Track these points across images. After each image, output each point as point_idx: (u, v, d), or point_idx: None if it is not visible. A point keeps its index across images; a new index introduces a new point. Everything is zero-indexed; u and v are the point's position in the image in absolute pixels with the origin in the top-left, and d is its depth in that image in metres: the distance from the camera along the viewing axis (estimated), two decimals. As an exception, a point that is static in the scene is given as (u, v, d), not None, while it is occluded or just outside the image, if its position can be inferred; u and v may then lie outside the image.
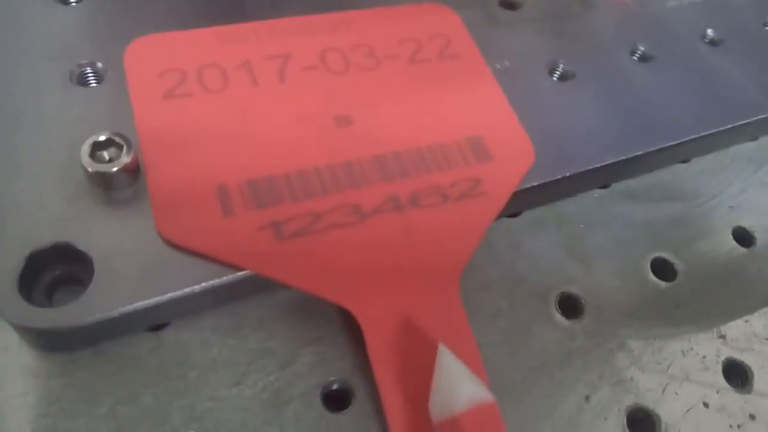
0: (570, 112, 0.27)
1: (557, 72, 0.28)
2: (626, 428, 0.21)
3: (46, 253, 0.19)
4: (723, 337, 0.24)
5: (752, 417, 0.22)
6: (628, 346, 0.23)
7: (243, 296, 0.21)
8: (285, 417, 0.19)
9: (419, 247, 0.22)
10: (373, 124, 0.24)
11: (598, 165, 0.25)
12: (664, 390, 0.22)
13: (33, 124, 0.22)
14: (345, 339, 0.21)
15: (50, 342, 0.19)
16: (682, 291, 0.25)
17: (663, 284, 0.25)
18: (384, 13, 0.28)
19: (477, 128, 0.25)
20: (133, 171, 0.21)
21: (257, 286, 0.21)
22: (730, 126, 0.28)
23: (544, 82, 0.28)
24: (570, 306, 0.24)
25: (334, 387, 0.20)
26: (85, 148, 0.20)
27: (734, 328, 0.24)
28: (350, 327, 0.21)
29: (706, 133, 0.28)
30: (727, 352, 0.23)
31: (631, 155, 0.26)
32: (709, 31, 0.32)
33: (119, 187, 0.21)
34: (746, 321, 0.24)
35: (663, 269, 0.25)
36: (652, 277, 0.25)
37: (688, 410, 0.22)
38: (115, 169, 0.20)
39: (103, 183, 0.20)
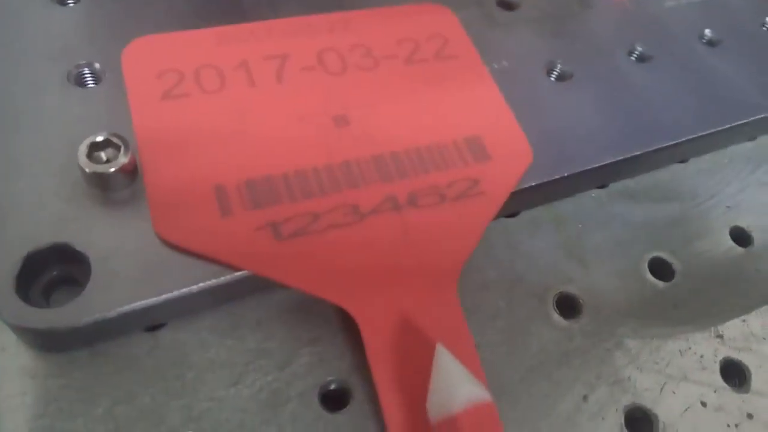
0: (568, 112, 0.27)
1: (555, 72, 0.28)
2: (624, 428, 0.21)
3: (43, 253, 0.19)
4: (720, 336, 0.24)
5: (750, 416, 0.22)
6: (625, 346, 0.23)
7: (241, 296, 0.21)
8: (283, 417, 0.19)
9: (417, 247, 0.22)
10: (371, 124, 0.24)
11: (596, 165, 0.25)
12: (661, 389, 0.22)
13: (31, 125, 0.22)
14: (343, 339, 0.21)
15: (48, 342, 0.19)
16: (679, 291, 0.25)
17: (661, 284, 0.25)
18: (382, 13, 0.28)
19: (475, 128, 0.25)
20: (131, 172, 0.21)
21: (255, 286, 0.21)
22: (728, 126, 0.28)
23: (541, 82, 0.28)
24: (568, 306, 0.24)
25: (332, 387, 0.20)
26: (83, 149, 0.20)
27: (732, 327, 0.24)
28: (348, 327, 0.21)
29: (704, 133, 0.28)
30: (724, 352, 0.23)
31: (628, 155, 0.26)
32: (707, 32, 0.32)
33: (117, 187, 0.21)
34: (744, 320, 0.24)
35: (661, 269, 0.25)
36: (649, 276, 0.25)
37: (686, 410, 0.22)
38: (112, 169, 0.20)
39: (100, 183, 0.20)
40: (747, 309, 0.25)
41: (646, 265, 0.25)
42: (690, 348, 0.23)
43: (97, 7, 0.26)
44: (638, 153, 0.26)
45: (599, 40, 0.31)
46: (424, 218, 0.22)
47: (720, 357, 0.23)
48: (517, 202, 0.25)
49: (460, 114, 0.25)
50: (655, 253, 0.26)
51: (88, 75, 0.24)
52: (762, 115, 0.29)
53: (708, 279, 0.25)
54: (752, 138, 0.31)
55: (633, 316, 0.24)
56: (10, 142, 0.21)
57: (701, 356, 0.23)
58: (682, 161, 0.29)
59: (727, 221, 0.28)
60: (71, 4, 0.26)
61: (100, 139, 0.20)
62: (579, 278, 0.24)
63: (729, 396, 0.22)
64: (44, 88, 0.23)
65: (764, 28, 0.34)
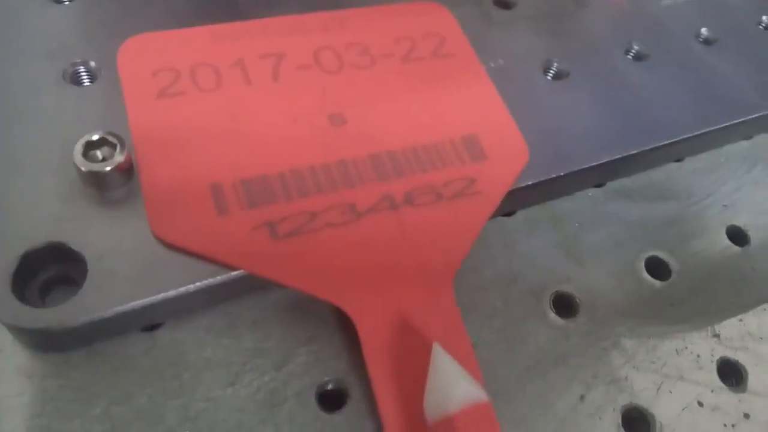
0: (564, 111, 0.27)
1: (551, 71, 0.28)
2: (621, 427, 0.21)
3: (39, 252, 0.19)
4: (717, 336, 0.24)
5: (746, 416, 0.22)
6: (622, 345, 0.23)
7: (237, 296, 0.21)
8: (280, 417, 0.19)
9: (414, 246, 0.22)
10: (367, 122, 0.24)
11: (593, 164, 0.25)
12: (658, 389, 0.22)
13: (26, 123, 0.22)
14: (340, 339, 0.21)
15: (44, 342, 0.19)
16: (676, 290, 0.25)
17: (657, 283, 0.25)
18: (378, 11, 0.28)
19: (471, 127, 0.25)
20: (127, 170, 0.21)
21: (252, 285, 0.21)
22: (724, 125, 0.29)
23: (538, 81, 0.28)
24: (564, 305, 0.24)
25: (329, 387, 0.20)
26: (79, 148, 0.20)
27: (728, 327, 0.24)
28: (345, 326, 0.21)
29: (700, 132, 0.28)
30: (721, 351, 0.23)
31: (625, 154, 0.26)
32: (704, 30, 0.32)
33: (113, 186, 0.20)
34: (740, 320, 0.24)
35: (657, 268, 0.25)
36: (646, 276, 0.25)
37: (683, 409, 0.22)
38: (108, 168, 0.20)
39: (96, 182, 0.20)
40: (744, 308, 0.25)
41: (642, 264, 0.25)
42: (687, 347, 0.23)
43: (93, 5, 0.26)
44: (635, 152, 0.26)
45: (596, 39, 0.31)
46: (421, 217, 0.22)
47: (717, 356, 0.23)
48: (514, 201, 0.25)
49: (456, 113, 0.25)
50: (652, 252, 0.26)
51: (84, 73, 0.24)
52: (758, 114, 0.29)
53: (705, 278, 0.25)
54: (748, 137, 0.31)
55: (630, 316, 0.24)
56: (6, 140, 0.21)
57: (698, 356, 0.23)
58: (678, 160, 0.29)
59: (723, 220, 0.28)
60: (67, 3, 0.26)
61: (95, 137, 0.20)
62: (576, 277, 0.24)
63: (726, 395, 0.22)
64: (40, 87, 0.23)
65: (760, 27, 0.34)
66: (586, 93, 0.28)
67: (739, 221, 0.28)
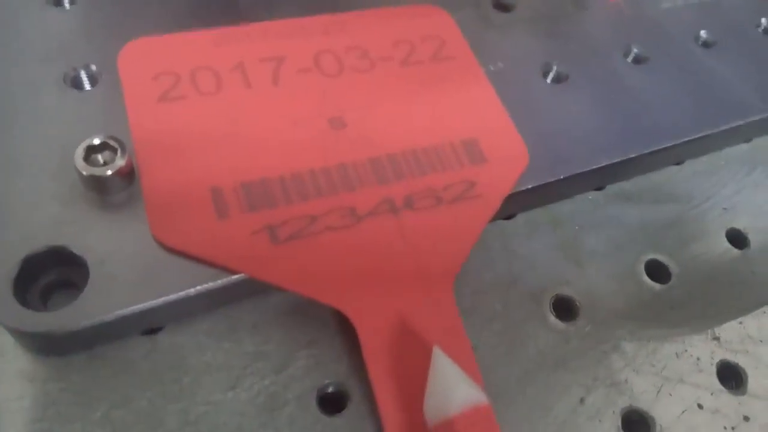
0: (564, 114, 0.27)
1: (551, 74, 0.28)
2: (621, 430, 0.21)
3: (41, 256, 0.19)
4: (717, 338, 0.24)
5: (746, 418, 0.22)
6: (622, 348, 0.23)
7: (238, 299, 0.21)
8: (280, 420, 0.19)
9: (414, 249, 0.22)
10: (367, 126, 0.24)
11: (593, 167, 0.25)
12: (658, 392, 0.22)
13: (27, 127, 0.22)
14: (340, 342, 0.21)
15: (45, 346, 0.19)
16: (676, 293, 0.25)
17: (657, 286, 0.25)
18: (377, 14, 0.28)
19: (471, 130, 0.25)
20: (128, 174, 0.21)
21: (252, 289, 0.21)
22: (724, 128, 0.29)
23: (537, 84, 0.28)
24: (564, 308, 0.24)
25: (330, 390, 0.20)
26: (80, 152, 0.20)
27: (728, 329, 0.24)
28: (345, 330, 0.21)
29: (700, 135, 0.28)
30: (721, 354, 0.23)
31: (625, 157, 0.26)
32: (703, 33, 0.32)
33: (114, 190, 0.21)
34: (740, 323, 0.25)
35: (657, 271, 0.25)
36: (646, 279, 0.25)
37: (683, 412, 0.22)
38: (109, 172, 0.20)
39: (97, 186, 0.20)
40: (743, 311, 0.25)
41: (642, 267, 0.25)
42: (686, 350, 0.23)
43: (93, 8, 0.26)
44: (634, 155, 0.26)
45: (595, 42, 0.31)
46: (421, 221, 0.22)
47: (716, 359, 0.23)
48: (514, 205, 0.25)
49: (456, 116, 0.25)
50: (652, 256, 0.26)
51: (85, 77, 0.24)
52: (758, 117, 0.29)
53: (704, 281, 0.25)
54: (748, 140, 0.31)
55: (630, 319, 0.24)
56: (7, 144, 0.21)
57: (698, 359, 0.23)
58: (678, 163, 0.29)
59: (723, 223, 0.28)
60: (67, 6, 0.26)
61: (97, 141, 0.20)
62: (576, 280, 0.24)
63: (726, 398, 0.22)
64: (41, 91, 0.23)
65: (759, 30, 0.34)
66: (585, 96, 0.28)
67: (739, 224, 0.28)
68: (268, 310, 0.21)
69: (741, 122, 0.29)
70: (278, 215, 0.21)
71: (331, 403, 0.20)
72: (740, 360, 0.24)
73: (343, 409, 0.20)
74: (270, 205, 0.21)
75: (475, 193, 0.23)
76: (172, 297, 0.19)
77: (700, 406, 0.22)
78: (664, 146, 0.27)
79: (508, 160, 0.24)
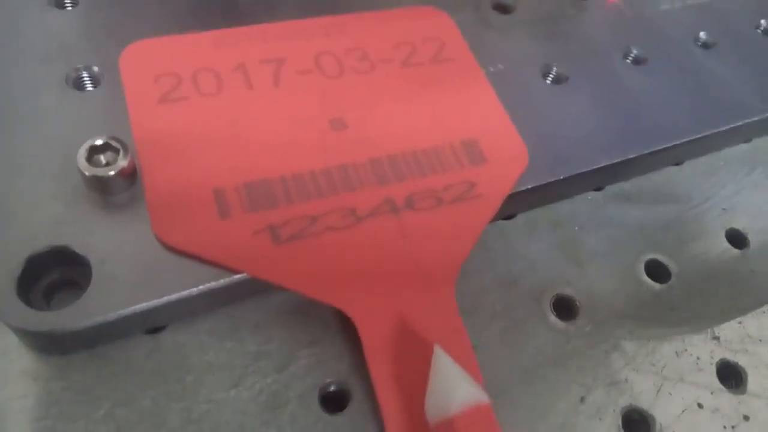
0: (563, 115, 0.27)
1: (551, 75, 0.29)
2: (621, 429, 0.21)
3: (44, 256, 0.19)
4: (717, 338, 0.24)
5: (746, 418, 0.22)
6: (622, 348, 0.23)
7: (240, 299, 0.21)
8: (282, 419, 0.19)
9: (415, 249, 0.22)
10: (367, 127, 0.24)
11: (592, 167, 0.26)
12: (658, 391, 0.22)
13: (30, 128, 0.22)
14: (342, 341, 0.21)
15: (49, 345, 0.19)
16: (676, 292, 0.25)
17: (657, 286, 0.25)
18: (378, 16, 0.29)
19: (471, 131, 0.25)
20: (130, 175, 0.21)
21: (254, 289, 0.21)
22: (723, 128, 0.29)
23: (537, 85, 0.28)
24: (565, 307, 0.24)
25: (332, 389, 0.20)
26: (82, 152, 0.20)
27: (728, 329, 0.24)
28: (347, 329, 0.21)
29: (699, 136, 0.28)
30: (720, 354, 0.24)
31: (624, 158, 0.26)
32: (702, 34, 0.32)
33: (116, 190, 0.21)
34: (740, 322, 0.25)
35: (657, 271, 0.25)
36: (646, 278, 0.25)
37: (683, 411, 0.22)
38: (112, 173, 0.20)
39: (100, 187, 0.20)
40: (743, 311, 0.25)
41: (642, 267, 0.25)
42: (686, 350, 0.23)
43: (95, 10, 0.26)
44: (634, 156, 0.26)
45: (595, 43, 0.31)
46: (422, 221, 0.22)
47: (716, 359, 0.23)
48: (514, 205, 0.25)
49: (456, 117, 0.26)
50: (652, 255, 0.26)
51: (87, 78, 0.24)
52: (757, 118, 0.29)
53: (704, 281, 0.26)
54: (747, 140, 0.31)
55: (629, 318, 0.24)
56: (10, 145, 0.21)
57: (698, 358, 0.23)
58: (677, 163, 0.29)
59: (722, 223, 0.28)
60: (69, 8, 0.26)
61: (99, 142, 0.21)
62: (576, 280, 0.24)
63: (725, 397, 0.23)
64: (43, 92, 0.23)
65: (758, 31, 0.34)
66: (585, 97, 0.28)
67: (739, 224, 0.28)
68: (270, 309, 0.21)
69: (740, 123, 0.29)
70: (280, 215, 0.21)
71: (333, 401, 0.20)
72: (740, 359, 0.24)
73: (344, 407, 0.20)
74: (271, 205, 0.21)
75: (476, 193, 0.23)
76: (175, 296, 0.19)
77: (700, 406, 0.22)
78: (663, 147, 0.27)
79: (508, 160, 0.25)
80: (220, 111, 0.23)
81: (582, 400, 0.22)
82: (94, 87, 0.24)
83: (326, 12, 0.28)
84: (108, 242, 0.20)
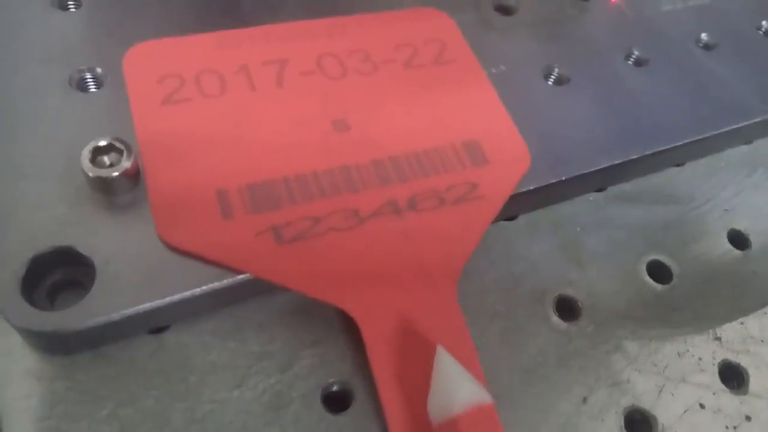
0: (565, 116, 0.27)
1: (552, 76, 0.29)
2: (623, 429, 0.21)
3: (48, 256, 0.19)
4: (718, 339, 0.24)
5: (748, 418, 0.22)
6: (624, 348, 0.23)
7: (243, 299, 0.21)
8: (285, 419, 0.19)
9: (417, 250, 0.22)
10: (370, 128, 0.24)
11: (594, 169, 0.26)
12: (660, 392, 0.22)
13: (33, 130, 0.22)
14: (344, 341, 0.21)
15: (53, 345, 0.19)
16: (677, 293, 0.25)
17: (659, 287, 0.25)
18: (380, 18, 0.29)
19: (473, 132, 0.25)
20: (134, 176, 0.21)
21: (257, 289, 0.21)
22: (725, 129, 0.29)
23: (539, 87, 0.28)
24: (567, 308, 0.24)
25: (334, 389, 0.20)
26: (86, 153, 0.20)
27: (729, 330, 0.24)
28: (349, 329, 0.21)
29: (700, 137, 0.28)
30: (722, 354, 0.24)
31: (626, 159, 0.26)
32: (703, 35, 0.33)
33: (120, 191, 0.21)
34: (741, 323, 0.25)
35: (659, 272, 0.25)
36: (648, 279, 0.25)
37: (685, 412, 0.22)
38: (115, 173, 0.20)
39: (103, 188, 0.20)
40: (744, 312, 0.25)
41: (644, 267, 0.25)
42: (688, 350, 0.23)
43: (98, 12, 0.26)
44: (635, 157, 0.26)
45: (596, 44, 0.31)
46: (424, 222, 0.22)
47: (718, 359, 0.23)
48: (516, 206, 0.25)
49: (458, 118, 0.26)
50: (653, 256, 0.26)
51: (90, 80, 0.24)
52: (758, 119, 0.29)
53: (706, 282, 0.26)
54: (748, 141, 0.31)
55: (631, 319, 0.24)
56: (13, 146, 0.21)
57: (699, 358, 0.23)
58: (678, 165, 0.29)
59: (724, 224, 0.28)
60: (72, 9, 0.26)
61: (103, 143, 0.21)
62: (578, 281, 0.24)
63: (727, 398, 0.23)
64: (46, 93, 0.23)
65: (759, 32, 0.34)
66: (587, 98, 0.28)
67: (740, 225, 0.28)
68: (273, 309, 0.21)
69: (741, 124, 0.29)
70: (283, 216, 0.21)
71: (336, 401, 0.20)
72: (742, 360, 0.24)
73: (347, 407, 0.20)
74: (274, 206, 0.21)
75: (478, 194, 0.23)
76: (178, 297, 0.19)
77: (702, 406, 0.22)
78: (664, 148, 0.27)
79: (510, 161, 0.25)
80: (223, 112, 0.23)
81: (584, 400, 0.22)
82: (98, 88, 0.24)
83: (328, 14, 0.28)
84: (112, 243, 0.20)
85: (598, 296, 0.24)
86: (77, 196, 0.21)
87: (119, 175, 0.20)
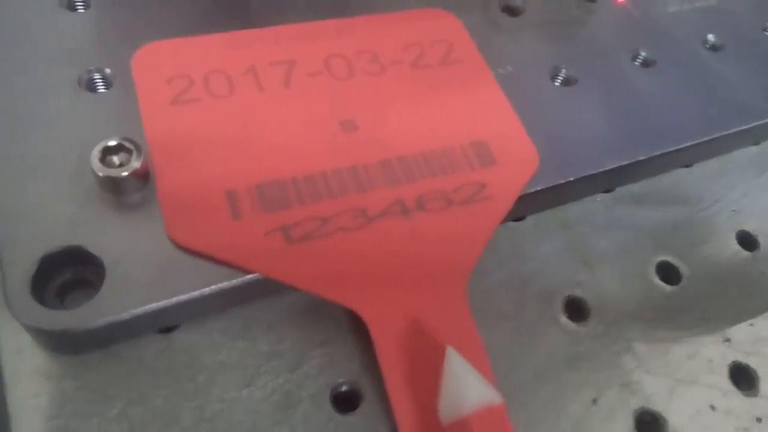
0: (573, 117, 0.27)
1: (559, 77, 0.29)
2: (634, 431, 0.21)
3: (58, 256, 0.19)
4: (728, 340, 0.24)
5: (759, 420, 0.22)
6: (634, 349, 0.23)
7: (252, 299, 0.21)
8: (295, 418, 0.19)
9: (426, 250, 0.22)
10: (378, 128, 0.24)
11: (602, 169, 0.26)
12: (670, 393, 0.22)
13: (43, 130, 0.22)
14: (353, 341, 0.21)
15: (62, 344, 0.19)
16: (687, 294, 0.25)
17: (668, 288, 0.25)
18: (387, 19, 0.29)
19: (481, 133, 0.25)
20: (143, 176, 0.21)
21: (266, 289, 0.21)
22: (733, 131, 0.29)
23: (546, 88, 0.28)
24: (576, 309, 0.24)
25: (343, 389, 0.20)
26: (96, 153, 0.20)
27: (739, 331, 0.24)
28: (358, 329, 0.21)
29: (708, 138, 0.28)
30: (732, 356, 0.24)
31: (633, 160, 0.26)
32: (710, 37, 0.32)
33: (129, 191, 0.21)
34: (751, 324, 0.25)
35: (668, 273, 0.25)
36: (657, 280, 0.25)
37: (696, 413, 0.22)
38: (125, 173, 0.20)
39: (113, 187, 0.20)
40: (754, 313, 0.25)
41: (653, 268, 0.25)
42: (698, 352, 0.23)
43: (107, 12, 0.26)
44: (643, 158, 0.26)
45: (603, 45, 0.31)
46: (432, 222, 0.22)
47: (728, 361, 0.23)
48: (524, 207, 0.25)
49: (466, 119, 0.26)
50: (662, 257, 0.26)
51: (99, 80, 0.24)
52: (766, 120, 0.29)
53: (715, 283, 0.25)
54: (756, 142, 0.31)
55: (641, 320, 0.24)
56: (23, 146, 0.21)
57: (710, 360, 0.23)
58: (686, 166, 0.29)
59: (733, 225, 0.28)
60: (81, 10, 0.26)
61: (112, 143, 0.21)
62: (586, 282, 0.24)
63: (738, 400, 0.22)
64: (55, 93, 0.23)
65: (766, 33, 0.34)
66: (594, 99, 0.28)
67: (749, 226, 0.28)
68: (282, 309, 0.21)
69: (749, 125, 0.29)
70: (291, 216, 0.21)
71: (345, 401, 0.20)
72: (752, 361, 0.24)
73: (356, 407, 0.20)
74: (283, 206, 0.21)
75: (486, 194, 0.23)
76: (187, 296, 0.19)
77: (712, 408, 0.22)
78: (672, 149, 0.27)
79: (518, 162, 0.25)
80: (231, 113, 0.23)
81: (594, 401, 0.22)
82: (107, 89, 0.24)
83: (336, 14, 0.28)
84: (121, 242, 0.20)
85: (607, 297, 0.24)
86: (87, 195, 0.21)
87: (129, 174, 0.20)
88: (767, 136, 0.31)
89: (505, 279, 0.24)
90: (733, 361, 0.23)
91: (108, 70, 0.24)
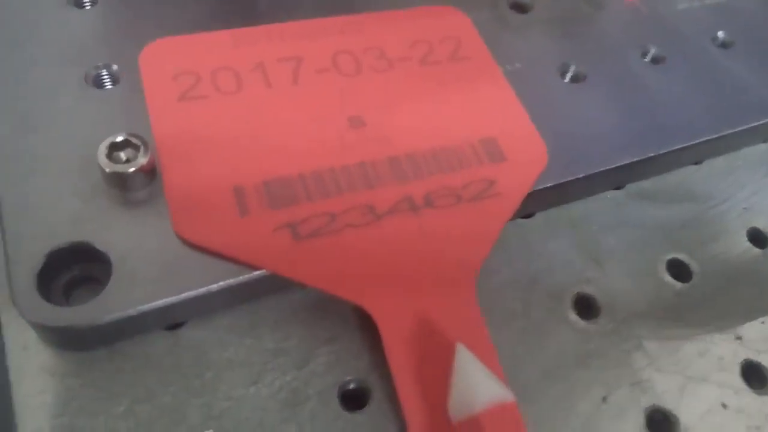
0: (582, 113, 0.27)
1: (569, 74, 0.28)
2: (645, 429, 0.21)
3: (64, 252, 0.19)
4: (740, 338, 0.24)
5: (770, 418, 0.22)
6: (644, 347, 0.23)
7: (259, 296, 0.21)
8: (302, 416, 0.19)
9: (434, 247, 0.22)
10: (386, 125, 0.24)
11: (611, 166, 0.25)
12: (681, 391, 0.22)
13: (50, 126, 0.22)
14: (361, 338, 0.21)
15: (68, 341, 0.19)
16: (697, 292, 0.25)
17: (678, 285, 0.25)
18: (395, 15, 0.29)
19: (490, 129, 0.25)
20: (150, 171, 0.21)
21: (273, 285, 0.21)
22: (742, 128, 0.28)
23: (555, 84, 0.28)
24: (585, 307, 0.24)
25: (351, 386, 0.20)
26: (103, 149, 0.20)
27: (751, 329, 0.24)
28: (366, 326, 0.21)
29: (718, 135, 0.28)
30: (744, 354, 0.23)
31: (643, 156, 0.26)
32: (720, 33, 0.32)
33: (136, 187, 0.21)
34: (763, 322, 0.24)
35: (678, 270, 0.25)
36: (667, 278, 0.25)
37: (707, 411, 0.22)
38: (132, 169, 0.20)
39: (120, 183, 0.20)
40: (766, 310, 0.25)
41: (663, 266, 0.25)
42: (709, 350, 0.23)
43: (114, 9, 0.26)
44: (652, 154, 0.26)
45: (612, 42, 0.31)
46: (441, 219, 0.22)
47: (740, 359, 0.23)
48: (533, 203, 0.25)
49: (474, 115, 0.25)
50: (673, 255, 0.25)
51: (106, 76, 0.24)
52: (776, 117, 0.29)
53: (726, 280, 0.25)
54: (766, 140, 0.31)
55: (651, 317, 0.23)
56: (31, 142, 0.21)
57: (721, 358, 0.23)
58: (696, 163, 0.29)
59: (743, 223, 0.27)
60: (88, 7, 0.26)
61: (119, 139, 0.21)
62: (596, 279, 0.24)
63: (750, 398, 0.22)
64: (63, 90, 0.23)
65: (777, 31, 0.34)
66: (603, 96, 0.28)
67: (759, 223, 0.27)
68: (290, 306, 0.21)
69: (759, 122, 0.29)
70: (299, 212, 0.21)
71: (353, 399, 0.20)
72: (763, 359, 0.23)
73: (364, 405, 0.20)
74: (291, 202, 0.21)
75: (495, 191, 0.23)
76: (194, 293, 0.19)
77: (724, 406, 0.22)
78: (682, 146, 0.27)
79: (527, 159, 0.24)
80: (239, 109, 0.23)
81: (604, 399, 0.21)
82: (114, 85, 0.24)
83: (344, 11, 0.28)
84: (128, 238, 0.20)
85: (616, 295, 0.24)
86: (93, 191, 0.20)
87: (136, 170, 0.20)
88: (778, 133, 0.31)
89: (513, 276, 0.24)
90: (745, 359, 0.23)
91: (115, 67, 0.24)
